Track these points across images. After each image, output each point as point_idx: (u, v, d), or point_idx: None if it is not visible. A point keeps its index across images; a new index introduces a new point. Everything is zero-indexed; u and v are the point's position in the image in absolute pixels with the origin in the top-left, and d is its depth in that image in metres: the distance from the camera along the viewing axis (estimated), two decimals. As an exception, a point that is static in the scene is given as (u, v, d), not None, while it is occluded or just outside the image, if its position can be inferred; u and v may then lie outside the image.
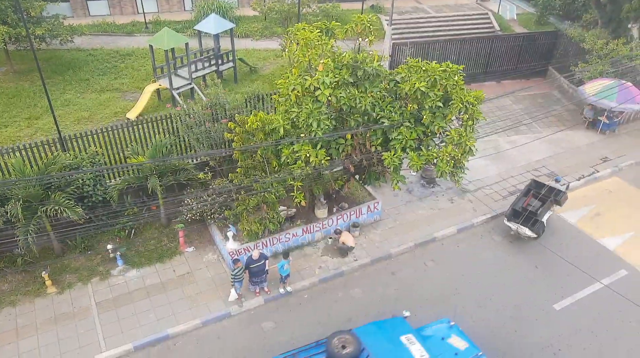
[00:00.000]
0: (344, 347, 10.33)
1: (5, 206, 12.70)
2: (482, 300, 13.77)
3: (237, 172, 14.21)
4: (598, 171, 18.95)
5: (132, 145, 15.65)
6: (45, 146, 14.87)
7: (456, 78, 12.41)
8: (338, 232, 15.11)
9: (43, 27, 21.59)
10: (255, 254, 12.98)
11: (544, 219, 15.53)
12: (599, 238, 15.89)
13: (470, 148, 12.45)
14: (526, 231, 15.30)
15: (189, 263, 14.55)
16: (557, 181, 17.11)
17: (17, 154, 14.27)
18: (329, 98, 12.10)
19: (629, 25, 22.76)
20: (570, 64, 23.20)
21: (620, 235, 16.02)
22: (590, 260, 14.98)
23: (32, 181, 13.03)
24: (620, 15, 22.42)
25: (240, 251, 14.00)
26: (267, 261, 13.20)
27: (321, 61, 12.45)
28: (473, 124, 12.64)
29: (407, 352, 10.22)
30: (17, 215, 12.52)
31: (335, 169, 14.29)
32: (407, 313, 11.99)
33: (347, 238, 14.90)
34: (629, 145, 20.67)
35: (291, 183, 12.89)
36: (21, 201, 12.73)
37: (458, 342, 11.04)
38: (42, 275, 13.42)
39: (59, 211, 13.05)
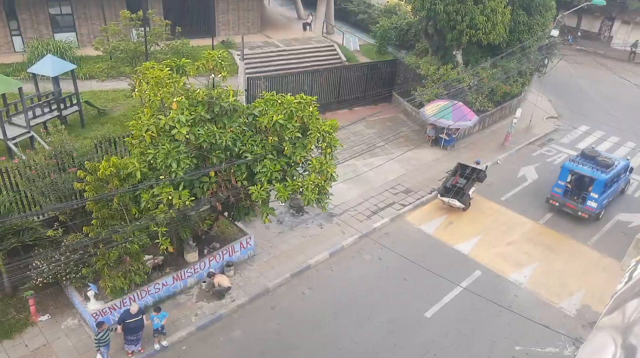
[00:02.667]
0: (593, 152, 19.41)
1: None
2: (361, 319, 14.19)
3: (93, 224, 13.03)
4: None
5: (-41, 207, 13.52)
6: None
7: (311, 109, 12.87)
8: (211, 275, 14.54)
9: None
10: (133, 308, 11.92)
11: (470, 193, 18.93)
12: (454, 245, 17.44)
13: (331, 174, 12.92)
14: (456, 202, 18.71)
15: (45, 334, 12.85)
16: (477, 163, 20.17)
17: None
18: (187, 136, 11.74)
19: (454, 52, 25.82)
20: (410, 88, 25.54)
21: (471, 239, 17.76)
22: (450, 266, 16.32)
23: None
24: (446, 44, 25.36)
25: (104, 311, 12.75)
26: (144, 315, 12.22)
27: (174, 99, 12.07)
28: (332, 151, 13.18)
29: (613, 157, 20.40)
30: None
31: (201, 209, 13.83)
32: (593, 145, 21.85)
33: (221, 280, 14.40)
34: (466, 157, 23.14)
35: (155, 229, 12.15)
36: None
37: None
38: None
39: None
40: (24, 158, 14.60)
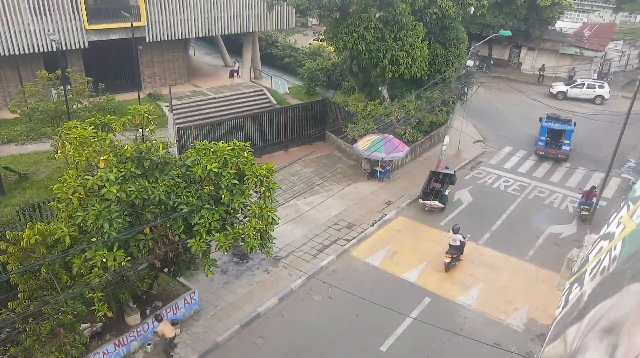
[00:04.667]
0: (555, 114, 27.88)
1: None
2: (317, 363, 13.85)
3: (19, 298, 12.05)
4: (386, 214, 21.28)
5: None
6: None
7: (245, 154, 12.80)
8: (159, 319, 13.73)
9: None
10: None
11: (446, 193, 21.86)
12: (400, 274, 17.59)
13: (272, 217, 12.76)
14: (437, 203, 21.32)
15: None
16: (447, 168, 23.48)
17: None
18: (118, 195, 11.27)
19: (379, 88, 26.80)
20: (342, 126, 26.13)
21: (417, 267, 18.00)
22: (399, 296, 16.39)
23: None
24: (371, 81, 26.31)
25: (38, 391, 11.68)
26: None
27: (101, 158, 11.63)
28: (271, 194, 13.07)
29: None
30: None
31: (139, 268, 13.16)
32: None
33: (165, 329, 13.61)
34: (403, 187, 23.80)
35: (90, 295, 11.40)
36: None
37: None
38: None
39: None
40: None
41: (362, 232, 19.95)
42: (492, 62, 45.85)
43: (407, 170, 25.71)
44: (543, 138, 27.12)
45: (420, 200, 21.76)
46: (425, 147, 27.86)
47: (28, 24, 24.37)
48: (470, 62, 26.60)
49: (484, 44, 34.74)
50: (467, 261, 18.43)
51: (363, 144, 23.07)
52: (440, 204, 21.42)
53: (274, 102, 30.75)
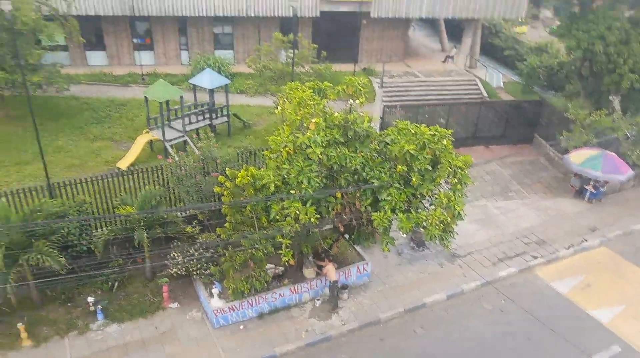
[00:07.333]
0: None
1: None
2: (472, 369, 13.35)
3: (226, 227, 14.02)
4: (587, 241, 18.93)
5: (121, 195, 15.45)
6: (33, 192, 14.70)
7: (445, 142, 12.60)
8: (329, 259, 14.73)
9: (40, 74, 21.77)
10: None
11: None
12: (590, 310, 15.60)
13: (459, 212, 12.43)
14: None
15: (172, 320, 14.03)
16: None
17: (3, 199, 14.00)
18: (320, 156, 12.17)
19: (610, 98, 23.58)
20: (555, 132, 23.81)
21: (612, 308, 15.76)
22: (582, 334, 14.60)
23: (16, 227, 12.72)
24: (601, 88, 23.28)
25: (224, 310, 13.58)
26: None
27: (313, 120, 12.62)
28: (462, 188, 12.71)
29: None
30: (-2, 263, 12.13)
31: (324, 228, 14.16)
32: None
33: (330, 271, 14.51)
34: (615, 215, 20.81)
35: (280, 240, 12.70)
36: (3, 248, 12.37)
37: None
38: (18, 327, 12.86)
39: (41, 260, 12.65)
40: (176, 158, 16.26)
41: (554, 253, 18.14)
42: None
43: (625, 197, 22.35)
44: None
45: None
46: (655, 175, 23.78)
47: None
48: None
49: None
50: (677, 317, 15.54)
51: (577, 157, 20.71)
52: None
53: (485, 94, 29.43)
